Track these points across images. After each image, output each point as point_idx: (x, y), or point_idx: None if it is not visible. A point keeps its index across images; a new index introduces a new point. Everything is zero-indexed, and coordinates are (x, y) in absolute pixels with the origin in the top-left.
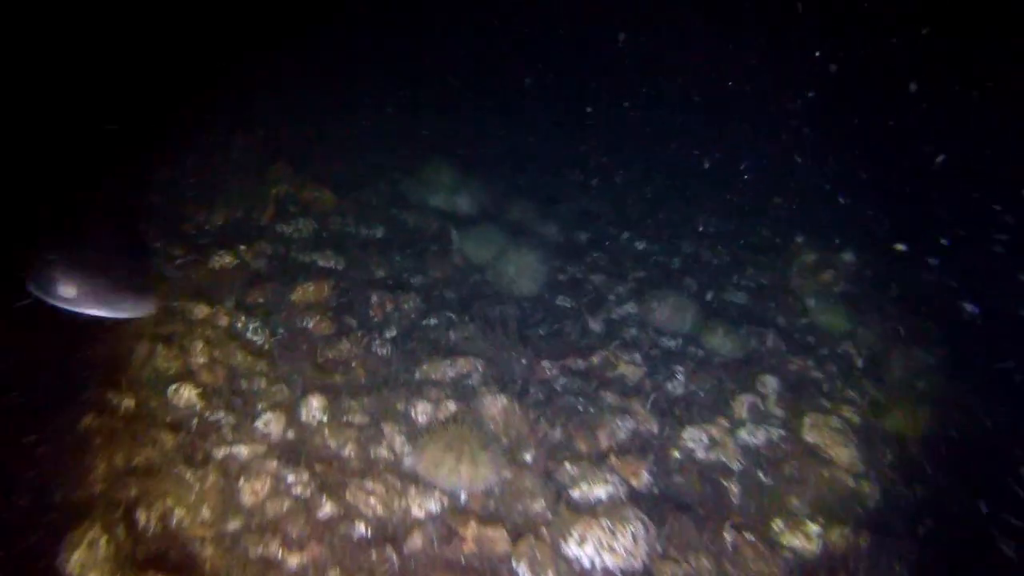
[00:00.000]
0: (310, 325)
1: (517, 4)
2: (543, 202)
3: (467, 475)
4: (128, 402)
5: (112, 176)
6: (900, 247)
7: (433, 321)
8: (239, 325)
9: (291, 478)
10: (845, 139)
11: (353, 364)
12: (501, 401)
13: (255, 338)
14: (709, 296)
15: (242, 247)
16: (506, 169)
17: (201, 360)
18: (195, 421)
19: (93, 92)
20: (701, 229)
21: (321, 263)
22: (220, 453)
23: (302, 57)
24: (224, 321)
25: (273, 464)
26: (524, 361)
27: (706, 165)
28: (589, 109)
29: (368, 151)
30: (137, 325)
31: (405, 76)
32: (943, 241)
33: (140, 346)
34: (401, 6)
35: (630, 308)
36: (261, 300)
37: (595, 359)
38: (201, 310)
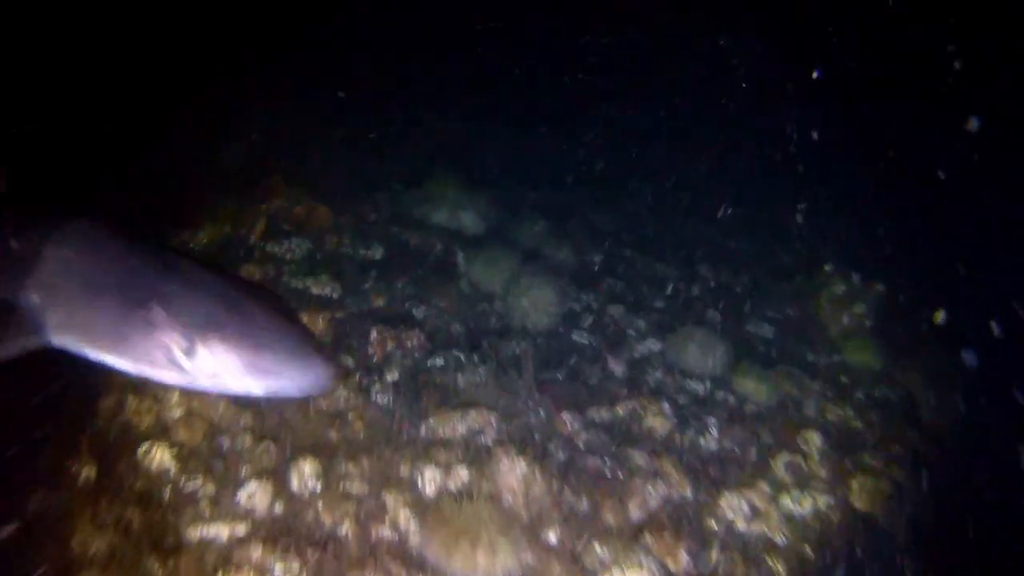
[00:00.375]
0: None
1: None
2: (553, 219)
3: (485, 564)
4: (89, 471)
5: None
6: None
7: (439, 361)
8: None
9: (278, 569)
10: (877, 156)
11: (350, 416)
12: (520, 467)
13: None
14: (735, 330)
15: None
16: (512, 179)
17: (177, 413)
18: (168, 491)
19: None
20: (719, 250)
21: (315, 291)
22: (195, 534)
23: (296, 59)
24: None
25: (257, 551)
26: (542, 413)
27: (722, 177)
28: (596, 114)
29: (368, 161)
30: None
31: (406, 79)
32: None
33: (107, 398)
34: (403, 6)
35: (652, 345)
36: None
37: (620, 409)
38: None
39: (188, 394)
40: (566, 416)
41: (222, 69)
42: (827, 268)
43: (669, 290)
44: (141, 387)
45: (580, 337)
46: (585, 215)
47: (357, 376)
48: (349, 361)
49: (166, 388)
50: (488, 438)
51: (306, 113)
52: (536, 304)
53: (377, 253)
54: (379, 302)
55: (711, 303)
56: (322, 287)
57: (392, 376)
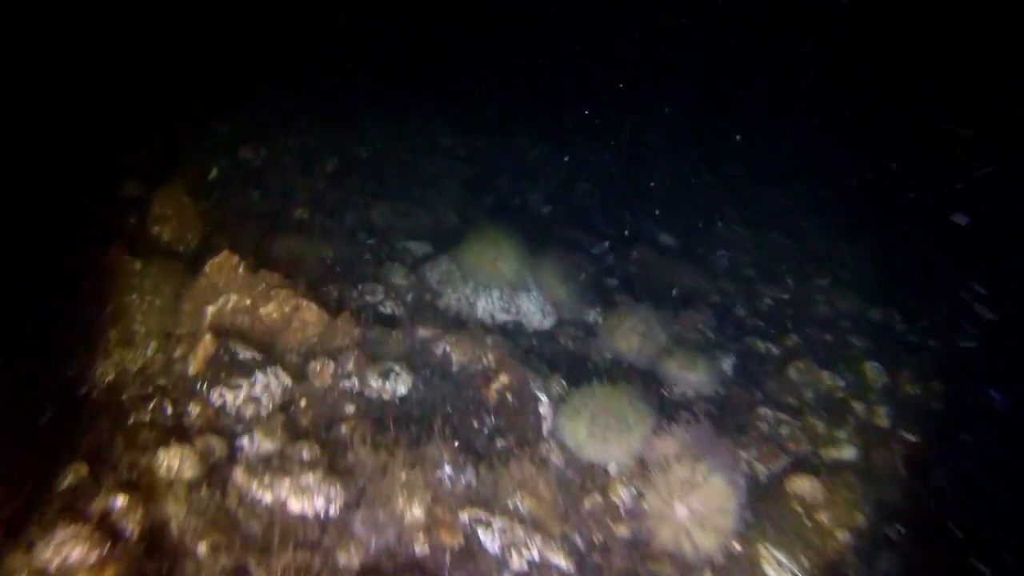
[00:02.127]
0: None
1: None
2: (657, 299)
3: None
4: None
5: None
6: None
7: None
8: None
9: None
10: None
11: None
12: None
13: None
14: None
15: (141, 461)
16: (572, 223)
17: None
18: None
19: None
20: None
21: (295, 505)
22: None
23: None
24: None
25: None
26: None
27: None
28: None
29: (374, 203)
30: None
31: (420, 83)
32: None
33: None
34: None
35: None
36: None
37: None
38: None
39: None
40: None
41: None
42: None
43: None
44: None
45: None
46: (683, 279)
47: None
48: None
49: None
50: None
51: (288, 131)
52: (700, 513)
53: (401, 385)
54: (414, 510)
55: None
56: (309, 492)
57: None
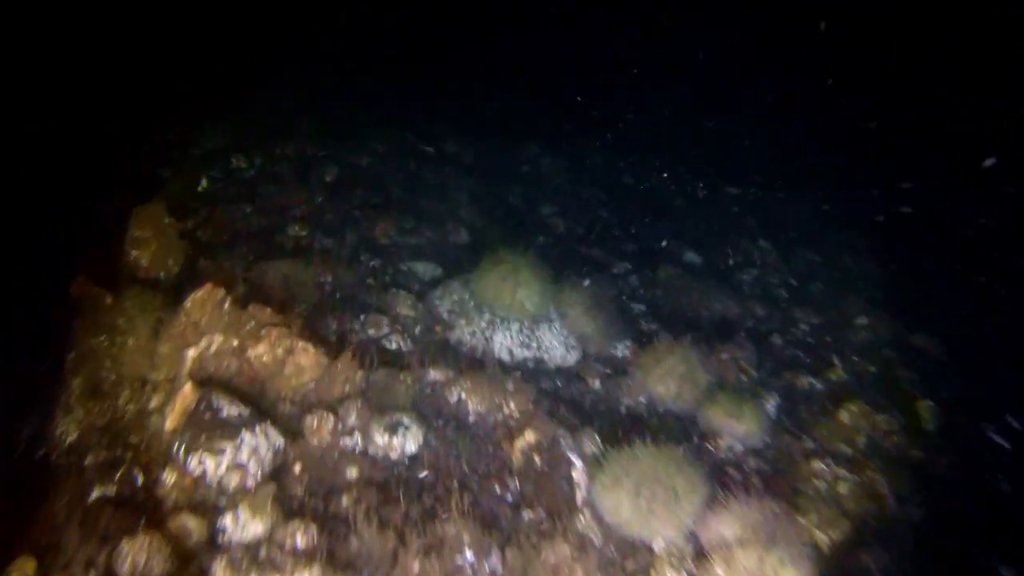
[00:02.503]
0: None
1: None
2: (689, 327)
3: None
4: None
5: None
6: None
7: None
8: None
9: None
10: None
11: None
12: None
13: None
14: None
15: (99, 557)
16: (590, 245)
17: None
18: None
19: None
20: None
21: None
22: None
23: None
24: None
25: None
26: None
27: None
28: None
29: (377, 218)
30: None
31: (422, 84)
32: None
33: None
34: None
35: None
36: None
37: None
38: None
39: None
40: None
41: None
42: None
43: None
44: None
45: None
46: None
47: None
48: None
49: None
50: None
51: (277, 137)
52: None
53: (409, 442)
54: None
55: None
56: None
57: None
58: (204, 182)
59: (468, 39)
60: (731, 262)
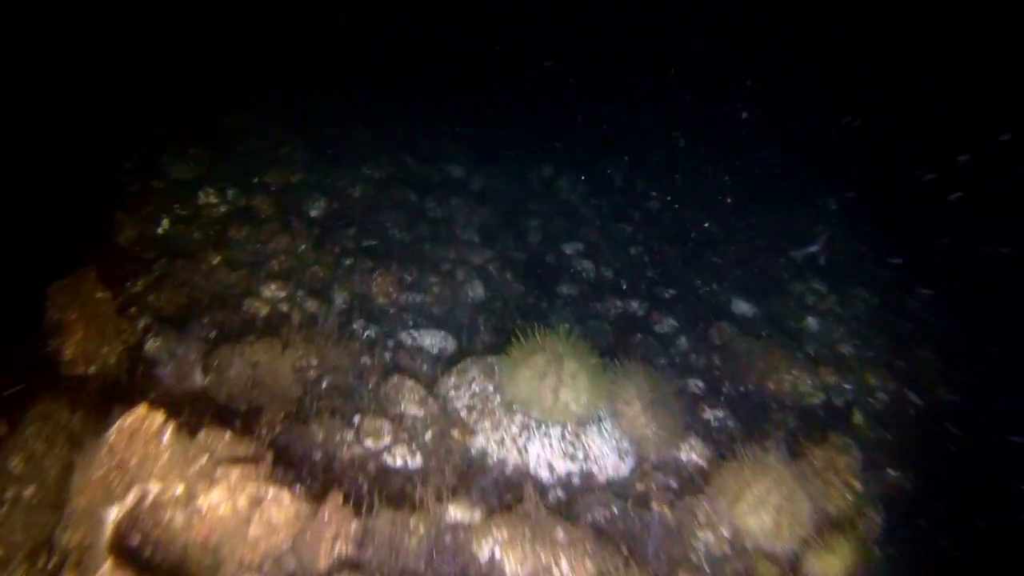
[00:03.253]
0: None
1: None
2: (762, 412)
3: None
4: None
5: None
6: None
7: None
8: None
9: None
10: None
11: None
12: None
13: None
14: None
15: None
16: (625, 297)
17: None
18: None
19: None
20: None
21: None
22: None
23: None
24: None
25: None
26: None
27: None
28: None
29: (373, 270)
30: None
31: (422, 94)
32: None
33: None
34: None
35: None
36: None
37: None
38: None
39: None
40: None
41: None
42: None
43: None
44: None
45: None
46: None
47: None
48: None
49: None
50: None
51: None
52: None
53: None
54: None
55: None
56: None
57: None
58: (164, 223)
59: (468, 39)
60: (787, 311)
